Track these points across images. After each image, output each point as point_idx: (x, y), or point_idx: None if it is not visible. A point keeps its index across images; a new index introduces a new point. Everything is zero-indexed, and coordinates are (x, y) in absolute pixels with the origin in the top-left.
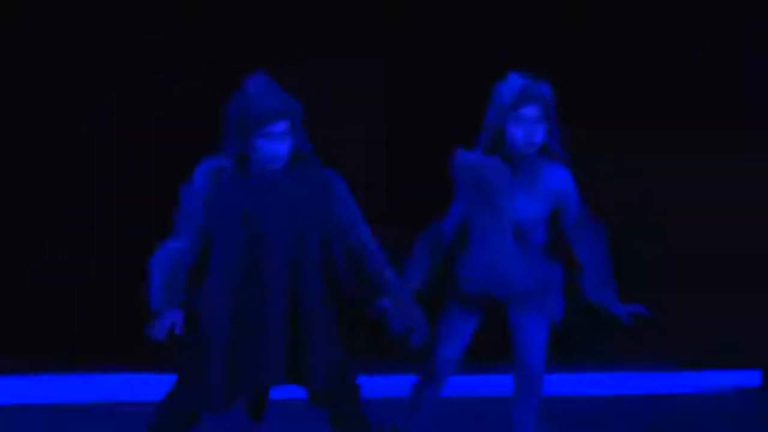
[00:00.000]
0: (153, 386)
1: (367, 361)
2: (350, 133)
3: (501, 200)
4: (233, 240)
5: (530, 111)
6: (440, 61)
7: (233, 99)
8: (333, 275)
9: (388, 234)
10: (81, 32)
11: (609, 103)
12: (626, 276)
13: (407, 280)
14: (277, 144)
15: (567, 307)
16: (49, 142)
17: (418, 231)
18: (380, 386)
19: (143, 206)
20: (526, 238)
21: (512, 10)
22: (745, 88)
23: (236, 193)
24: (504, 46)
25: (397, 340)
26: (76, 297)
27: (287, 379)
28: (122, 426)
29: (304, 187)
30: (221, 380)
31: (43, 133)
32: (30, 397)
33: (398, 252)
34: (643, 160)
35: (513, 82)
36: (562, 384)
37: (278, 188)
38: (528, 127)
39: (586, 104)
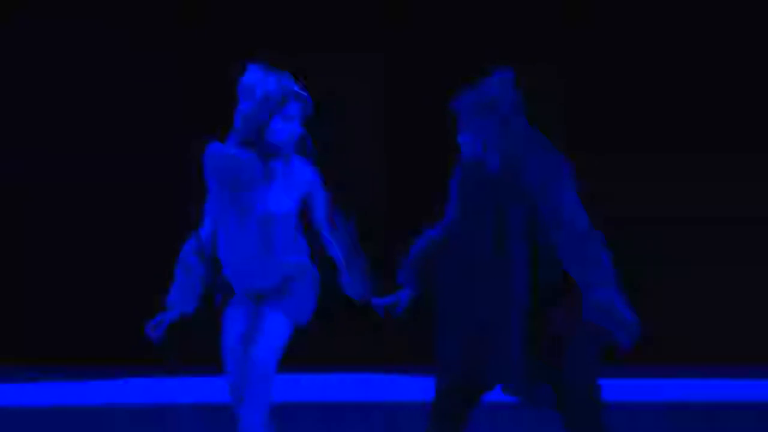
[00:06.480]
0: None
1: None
2: (350, 133)
3: (248, 195)
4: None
5: (295, 109)
6: (440, 60)
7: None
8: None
9: (389, 233)
10: (82, 31)
11: (608, 103)
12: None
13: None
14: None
15: None
16: (50, 142)
17: (417, 230)
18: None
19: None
20: (274, 234)
21: (512, 10)
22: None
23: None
24: (504, 46)
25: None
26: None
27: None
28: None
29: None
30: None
31: (43, 133)
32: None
33: (397, 249)
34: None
35: (281, 80)
36: None
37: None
38: (292, 125)
39: (585, 104)
